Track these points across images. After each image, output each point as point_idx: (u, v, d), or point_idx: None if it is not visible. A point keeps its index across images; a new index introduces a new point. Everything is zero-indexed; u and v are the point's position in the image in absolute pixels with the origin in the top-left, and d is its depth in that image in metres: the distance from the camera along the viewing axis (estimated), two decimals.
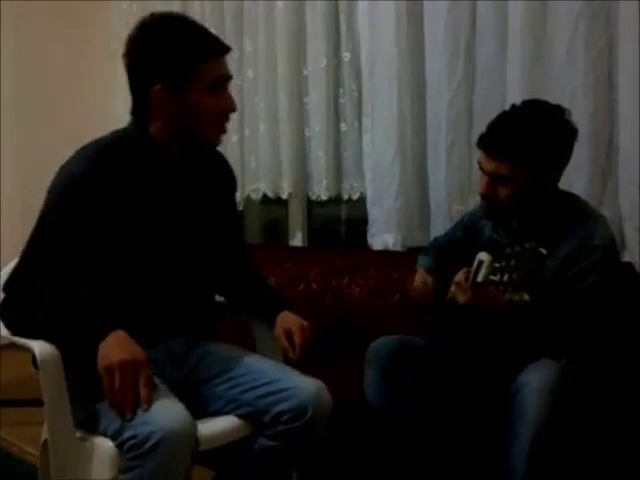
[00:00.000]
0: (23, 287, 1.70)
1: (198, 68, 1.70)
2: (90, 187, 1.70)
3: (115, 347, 1.60)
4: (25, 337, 1.72)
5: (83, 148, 1.77)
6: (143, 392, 1.59)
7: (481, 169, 1.97)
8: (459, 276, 1.87)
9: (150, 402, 1.59)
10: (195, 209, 1.87)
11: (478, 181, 2.03)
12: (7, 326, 1.73)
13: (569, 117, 1.94)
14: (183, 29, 1.74)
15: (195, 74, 1.70)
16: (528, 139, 1.88)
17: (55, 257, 1.69)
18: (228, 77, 1.78)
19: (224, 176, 2.01)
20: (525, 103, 1.97)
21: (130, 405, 1.59)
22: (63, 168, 1.75)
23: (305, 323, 1.91)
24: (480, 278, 1.76)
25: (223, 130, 1.80)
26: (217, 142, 1.83)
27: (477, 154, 2.58)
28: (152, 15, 1.75)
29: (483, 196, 1.98)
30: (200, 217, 1.88)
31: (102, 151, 1.75)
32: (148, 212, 1.78)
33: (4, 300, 1.72)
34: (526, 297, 1.70)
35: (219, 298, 2.08)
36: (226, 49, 1.77)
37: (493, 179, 1.93)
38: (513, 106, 1.98)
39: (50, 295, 1.67)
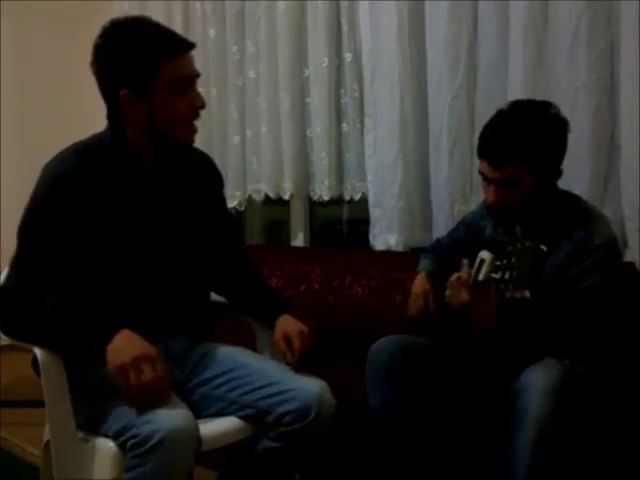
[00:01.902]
0: (17, 291, 1.69)
1: (159, 69, 1.71)
2: (72, 186, 1.71)
3: (124, 346, 1.59)
4: (24, 342, 1.72)
5: (63, 150, 1.78)
6: (161, 386, 1.59)
7: (485, 179, 1.96)
8: (453, 276, 1.87)
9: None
10: (181, 208, 1.88)
11: (482, 190, 2.03)
12: (4, 331, 1.72)
13: (557, 110, 1.95)
14: (142, 32, 1.74)
15: (157, 75, 1.71)
16: (528, 140, 1.88)
17: (45, 259, 1.69)
18: (192, 76, 1.77)
19: (208, 174, 2.01)
20: (513, 105, 1.98)
21: (152, 400, 1.58)
22: (45, 170, 1.76)
23: (305, 328, 1.90)
24: (481, 276, 1.76)
25: (193, 128, 1.81)
26: (188, 141, 1.83)
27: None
28: (112, 21, 1.76)
29: (494, 205, 1.96)
30: (188, 215, 1.89)
31: (82, 152, 1.77)
32: (131, 212, 1.78)
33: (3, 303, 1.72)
34: (527, 294, 1.70)
35: (219, 298, 2.08)
36: (187, 46, 1.76)
37: (500, 186, 1.92)
38: (502, 111, 1.98)
39: (49, 300, 1.66)
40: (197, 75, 1.79)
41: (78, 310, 1.66)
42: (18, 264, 1.73)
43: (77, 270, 1.72)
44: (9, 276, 1.73)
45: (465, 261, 1.85)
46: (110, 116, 1.80)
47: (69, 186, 1.71)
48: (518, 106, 1.97)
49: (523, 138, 1.88)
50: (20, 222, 1.74)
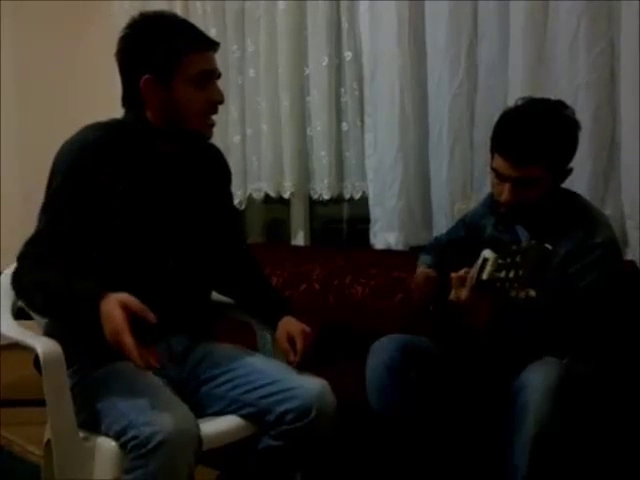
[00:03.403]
0: (32, 261, 1.72)
1: (182, 61, 1.75)
2: (98, 153, 1.74)
3: (103, 323, 1.58)
4: (34, 312, 1.74)
5: (86, 126, 1.81)
6: (133, 355, 1.55)
7: (499, 176, 1.94)
8: (456, 274, 1.86)
9: (149, 357, 1.57)
10: (191, 199, 1.88)
11: (491, 188, 2.03)
12: (19, 298, 1.75)
13: (571, 110, 1.96)
14: (170, 25, 1.80)
15: (180, 66, 1.75)
16: (551, 140, 1.88)
17: (63, 230, 1.71)
18: (213, 71, 1.81)
19: (219, 168, 2.03)
20: (530, 103, 1.96)
21: (139, 360, 1.56)
22: (67, 142, 1.78)
23: (307, 328, 1.91)
24: (485, 275, 1.75)
25: (210, 122, 1.84)
26: (206, 134, 1.86)
27: (480, 153, 2.62)
28: (141, 14, 1.81)
29: (507, 204, 1.94)
30: (196, 208, 1.89)
31: (106, 127, 1.81)
32: (145, 199, 1.79)
33: (15, 273, 1.73)
34: (532, 293, 1.69)
35: (220, 298, 2.08)
36: (211, 45, 1.81)
37: (517, 185, 1.91)
38: (519, 108, 1.96)
39: (52, 272, 1.68)
40: (219, 73, 1.83)
41: (65, 282, 1.66)
42: (39, 234, 1.74)
43: (88, 254, 1.72)
44: (28, 244, 1.74)
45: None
46: (129, 103, 1.83)
47: (92, 156, 1.73)
48: (536, 105, 1.96)
49: (548, 138, 1.88)
50: (47, 191, 1.75)
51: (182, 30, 1.79)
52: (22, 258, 1.74)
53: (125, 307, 1.57)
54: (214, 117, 1.84)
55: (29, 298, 1.74)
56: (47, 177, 1.77)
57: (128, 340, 1.55)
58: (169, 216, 1.84)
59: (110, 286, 1.74)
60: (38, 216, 1.76)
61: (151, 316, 1.58)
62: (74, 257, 1.71)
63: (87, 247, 1.72)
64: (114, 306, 1.58)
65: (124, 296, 1.59)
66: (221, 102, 1.83)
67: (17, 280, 1.74)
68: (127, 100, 1.83)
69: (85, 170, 1.72)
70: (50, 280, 1.68)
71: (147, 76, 1.74)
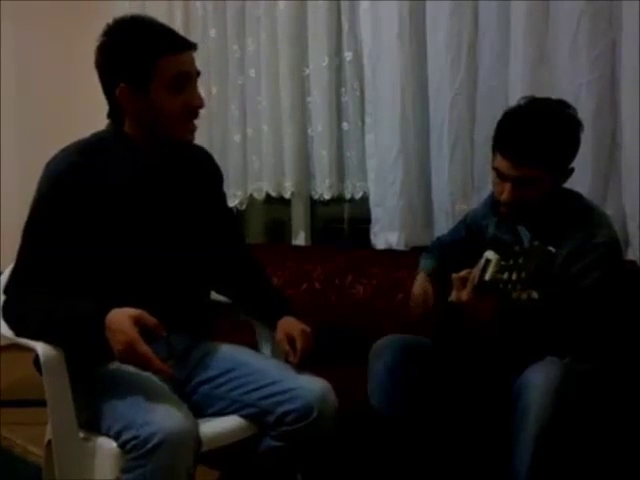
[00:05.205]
0: (21, 289, 1.72)
1: (157, 64, 1.70)
2: (72, 185, 1.71)
3: (111, 337, 1.60)
4: (28, 338, 1.73)
5: (64, 149, 1.79)
6: (154, 364, 1.60)
7: (500, 175, 1.94)
8: (457, 274, 1.85)
9: (162, 367, 1.62)
10: (182, 203, 1.87)
11: (492, 187, 2.03)
12: (11, 328, 1.75)
13: (574, 111, 1.95)
14: (141, 28, 1.75)
15: (155, 70, 1.70)
16: (552, 140, 1.88)
17: (47, 257, 1.71)
18: (190, 73, 1.77)
19: (208, 169, 2.01)
20: (532, 102, 1.96)
21: (157, 370, 1.62)
22: (46, 169, 1.76)
23: (307, 328, 1.90)
24: (488, 277, 1.74)
25: (191, 127, 1.80)
26: (186, 139, 1.82)
27: (481, 153, 2.62)
28: (115, 19, 1.77)
29: (507, 204, 1.94)
30: (189, 211, 1.88)
31: (82, 150, 1.78)
32: (132, 209, 1.78)
33: (5, 302, 1.74)
34: (535, 295, 1.69)
35: (220, 297, 2.08)
36: (186, 45, 1.75)
37: (517, 184, 1.90)
38: (521, 107, 1.96)
39: (47, 297, 1.68)
40: (197, 73, 1.79)
41: (65, 307, 1.67)
42: (21, 264, 1.74)
43: (79, 269, 1.72)
44: (13, 274, 1.75)
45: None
46: (111, 113, 1.81)
47: (70, 185, 1.71)
48: (538, 104, 1.95)
49: (549, 137, 1.88)
50: (25, 222, 1.75)
51: (155, 32, 1.74)
52: (9, 289, 1.74)
53: (137, 321, 1.59)
54: (196, 121, 1.80)
55: (24, 325, 1.72)
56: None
57: (146, 350, 1.58)
58: (160, 219, 1.83)
59: (109, 289, 1.75)
60: (21, 240, 1.76)
61: (162, 331, 1.61)
62: (60, 278, 1.71)
63: (79, 257, 1.72)
64: (124, 318, 1.59)
65: (137, 311, 1.61)
66: (200, 107, 1.79)
67: (8, 310, 1.73)
68: (110, 110, 1.81)
69: (63, 196, 1.71)
70: (46, 304, 1.68)
71: (122, 85, 1.71)
